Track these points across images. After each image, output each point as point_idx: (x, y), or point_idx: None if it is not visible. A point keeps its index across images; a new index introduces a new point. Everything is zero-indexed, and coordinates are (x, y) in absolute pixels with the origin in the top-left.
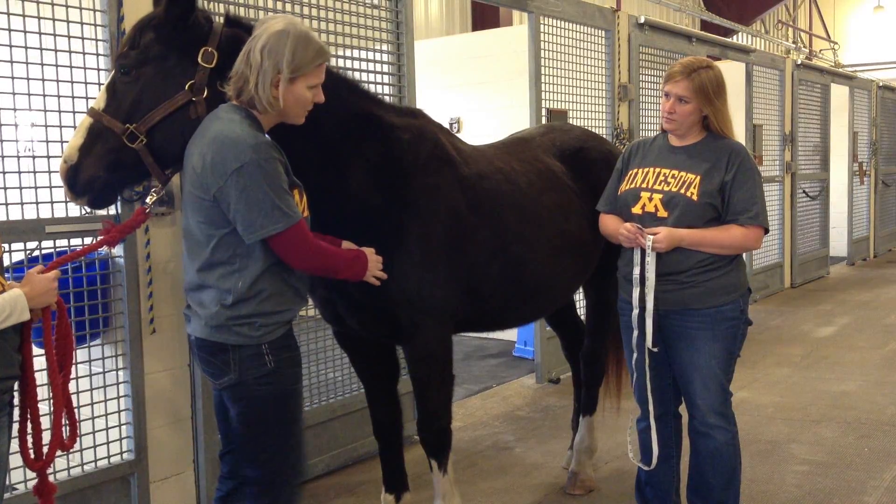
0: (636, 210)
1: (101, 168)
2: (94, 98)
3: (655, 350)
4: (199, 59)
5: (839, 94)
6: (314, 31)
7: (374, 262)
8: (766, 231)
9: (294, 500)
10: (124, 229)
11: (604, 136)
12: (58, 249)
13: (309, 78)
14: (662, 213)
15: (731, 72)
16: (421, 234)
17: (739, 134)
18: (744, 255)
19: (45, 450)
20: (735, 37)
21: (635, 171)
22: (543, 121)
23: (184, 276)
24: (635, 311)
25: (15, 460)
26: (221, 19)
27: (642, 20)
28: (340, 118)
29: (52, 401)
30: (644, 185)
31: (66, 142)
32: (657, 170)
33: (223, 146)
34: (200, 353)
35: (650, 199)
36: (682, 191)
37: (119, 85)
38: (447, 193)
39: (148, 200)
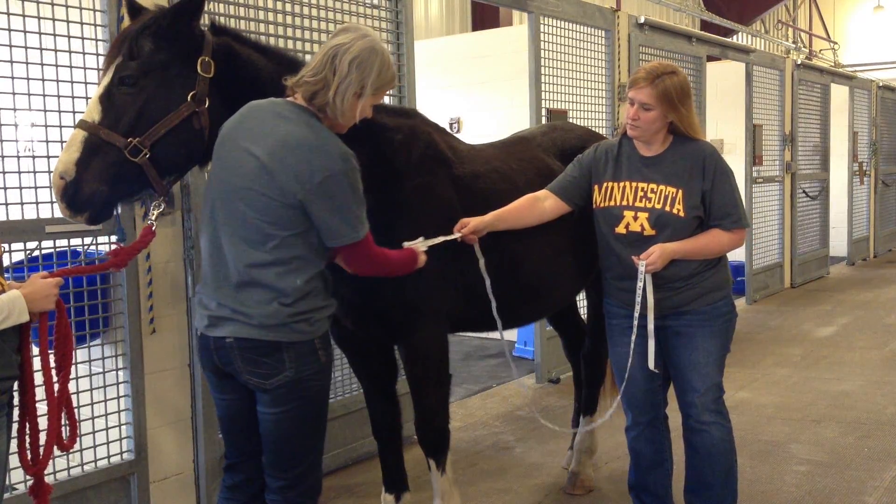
0: (620, 230)
1: (103, 183)
2: (90, 99)
3: (656, 371)
4: (199, 69)
5: (839, 94)
6: (315, 32)
7: (423, 258)
8: (748, 227)
9: None
10: (132, 251)
11: (606, 137)
12: (58, 249)
13: (379, 97)
14: (650, 231)
15: (731, 72)
16: (414, 234)
17: (739, 134)
18: (742, 253)
19: (42, 451)
20: (735, 37)
21: (609, 184)
22: (543, 121)
23: (210, 273)
24: (634, 325)
25: (15, 460)
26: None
27: (642, 20)
28: None
29: (47, 405)
30: (624, 203)
31: (67, 142)
32: (634, 184)
33: (310, 152)
34: (247, 355)
35: (635, 219)
36: (668, 208)
37: (118, 97)
38: (440, 193)
39: (153, 218)
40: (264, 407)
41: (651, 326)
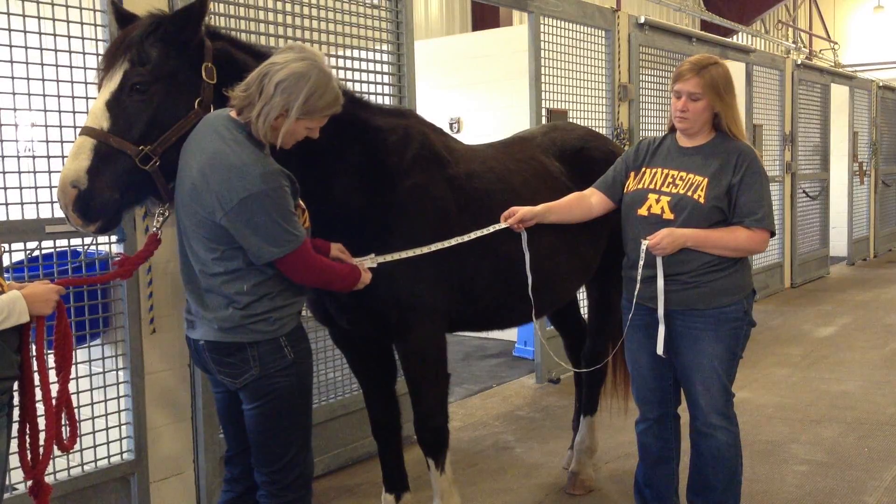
0: (642, 212)
1: (115, 192)
2: (92, 100)
3: (664, 356)
4: (203, 75)
5: (839, 94)
6: (315, 32)
7: (367, 277)
8: (773, 234)
9: (307, 501)
10: (138, 260)
11: (607, 136)
12: (58, 249)
13: (312, 122)
14: (668, 215)
15: (732, 72)
16: (408, 234)
17: None
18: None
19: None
20: (735, 37)
21: (643, 170)
22: (543, 121)
23: (182, 279)
24: (631, 313)
25: (15, 460)
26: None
27: (642, 20)
28: (325, 125)
29: (45, 408)
30: (652, 187)
31: (67, 142)
32: (665, 171)
33: (229, 173)
34: (214, 356)
35: (657, 201)
36: (690, 193)
37: (128, 103)
38: (434, 193)
39: (158, 226)
40: (243, 403)
41: (661, 312)
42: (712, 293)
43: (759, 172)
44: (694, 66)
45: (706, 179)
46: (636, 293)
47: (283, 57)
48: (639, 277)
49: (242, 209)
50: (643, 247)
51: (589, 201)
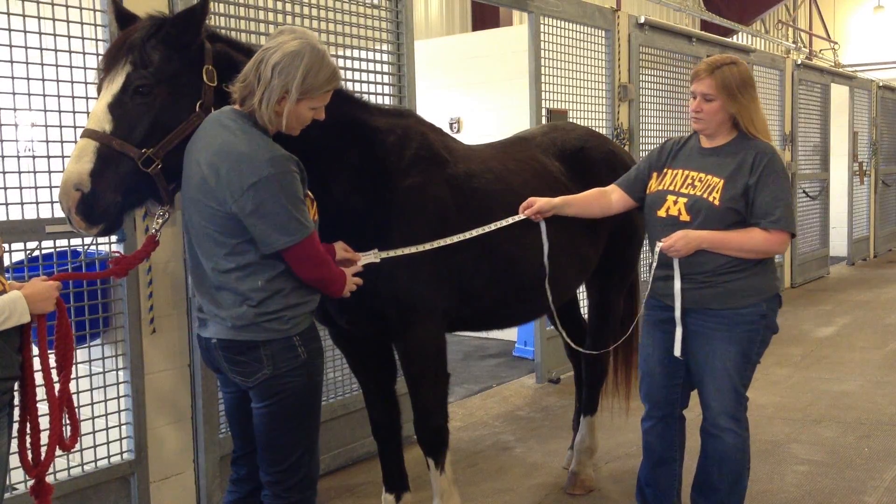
0: (661, 213)
1: (118, 194)
2: (93, 100)
3: (681, 358)
4: (204, 78)
5: (839, 94)
6: (315, 32)
7: (351, 283)
8: (793, 235)
9: (311, 503)
10: (134, 260)
11: (607, 136)
12: (58, 249)
13: (315, 101)
14: (685, 217)
15: None
16: (407, 233)
17: None
18: (775, 258)
19: (43, 451)
20: (735, 37)
21: (665, 171)
22: (543, 121)
23: (192, 278)
24: (644, 312)
25: (15, 460)
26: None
27: (642, 20)
28: (323, 126)
29: (49, 406)
30: (671, 188)
31: (67, 142)
32: (685, 172)
33: (239, 161)
34: (226, 354)
35: (675, 203)
36: (706, 195)
37: (131, 106)
38: (433, 193)
39: (157, 228)
40: (253, 402)
41: (678, 313)
42: (727, 293)
43: (777, 172)
44: (708, 66)
45: (722, 181)
46: (650, 289)
47: (276, 41)
48: (650, 279)
49: (252, 195)
50: (657, 249)
51: (609, 197)
